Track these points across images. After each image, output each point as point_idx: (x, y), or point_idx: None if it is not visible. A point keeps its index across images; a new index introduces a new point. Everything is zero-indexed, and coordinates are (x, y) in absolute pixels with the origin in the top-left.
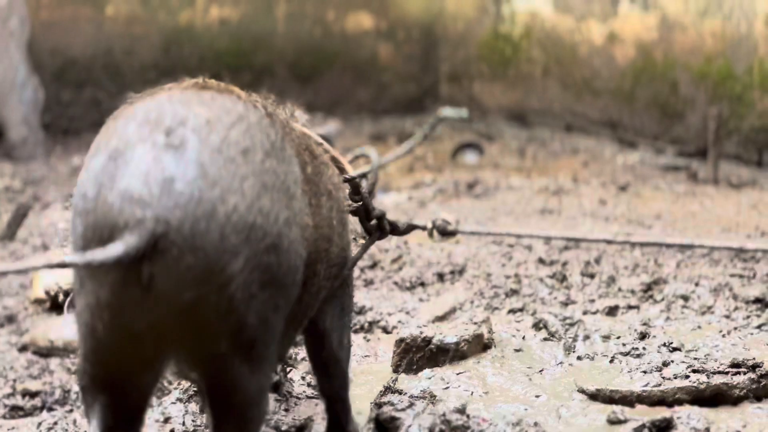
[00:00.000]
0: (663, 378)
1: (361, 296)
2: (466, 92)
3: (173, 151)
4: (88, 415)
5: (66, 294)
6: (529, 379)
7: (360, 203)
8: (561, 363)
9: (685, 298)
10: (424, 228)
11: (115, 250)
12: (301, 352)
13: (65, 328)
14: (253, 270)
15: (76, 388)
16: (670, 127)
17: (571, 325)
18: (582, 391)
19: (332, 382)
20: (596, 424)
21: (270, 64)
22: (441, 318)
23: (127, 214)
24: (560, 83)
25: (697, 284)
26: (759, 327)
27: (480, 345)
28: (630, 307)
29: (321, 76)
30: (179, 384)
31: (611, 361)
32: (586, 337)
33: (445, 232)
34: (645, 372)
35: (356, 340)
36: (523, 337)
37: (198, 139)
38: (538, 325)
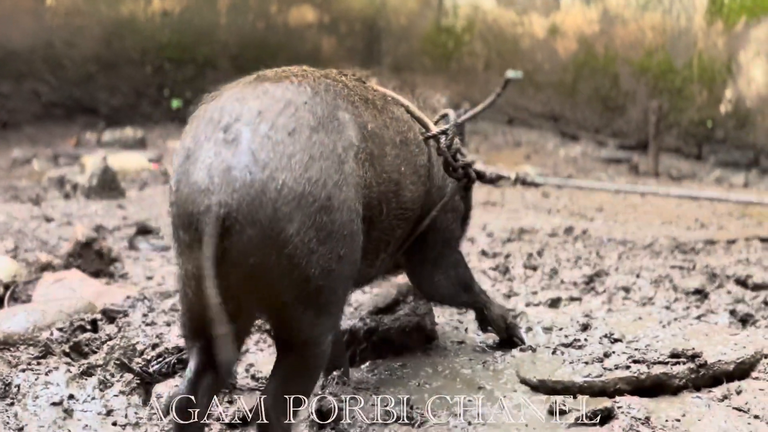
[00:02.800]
0: (604, 369)
1: None
2: (408, 85)
3: (230, 145)
4: (189, 358)
5: (6, 287)
6: (471, 370)
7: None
8: (503, 354)
9: (626, 289)
10: (509, 178)
11: (207, 245)
12: (243, 344)
13: (4, 322)
14: (308, 230)
15: (17, 380)
16: (611, 120)
17: (514, 317)
18: (525, 382)
19: (443, 297)
20: (539, 414)
21: (213, 56)
22: (384, 310)
23: (198, 203)
24: (502, 76)
25: (638, 276)
26: (698, 318)
27: (423, 337)
28: (572, 299)
29: (264, 69)
30: (121, 376)
31: (553, 353)
32: (529, 329)
33: (528, 183)
34: (587, 363)
35: None
36: (466, 329)
37: (250, 131)
38: (480, 319)
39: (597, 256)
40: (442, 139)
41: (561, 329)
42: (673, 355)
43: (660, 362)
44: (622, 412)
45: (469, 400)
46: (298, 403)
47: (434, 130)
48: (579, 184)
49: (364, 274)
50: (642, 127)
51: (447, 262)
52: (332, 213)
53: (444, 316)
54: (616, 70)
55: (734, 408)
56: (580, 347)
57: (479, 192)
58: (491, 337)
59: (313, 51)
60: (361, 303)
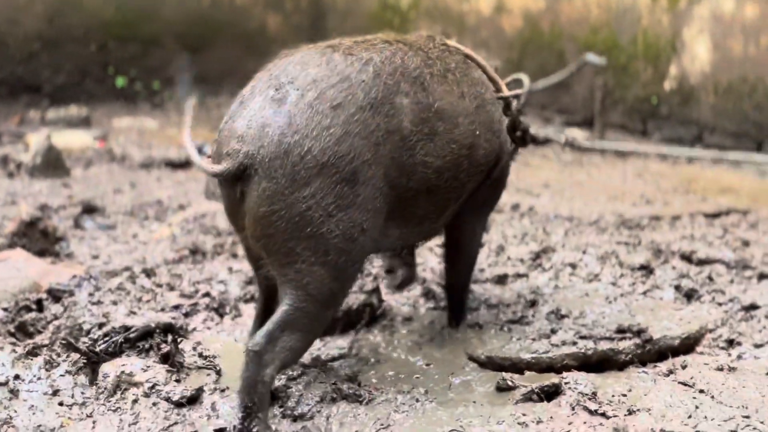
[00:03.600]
0: (551, 345)
1: (249, 267)
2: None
3: (276, 103)
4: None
5: None
6: (419, 348)
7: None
8: (451, 331)
9: (573, 266)
10: (559, 141)
11: (216, 168)
12: (191, 323)
13: None
14: (326, 196)
15: None
16: (557, 98)
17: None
18: (472, 358)
19: (459, 270)
20: (486, 390)
21: (157, 34)
22: None
23: (231, 146)
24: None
25: (584, 252)
26: (644, 293)
27: (370, 314)
28: (519, 276)
29: (210, 47)
30: (67, 356)
31: (501, 329)
32: (476, 306)
33: (576, 146)
34: (534, 339)
35: (247, 310)
36: (413, 306)
37: (298, 95)
38: (427, 295)
39: (543, 232)
40: (514, 102)
41: (508, 306)
42: (620, 331)
43: (606, 338)
44: (569, 388)
45: (417, 377)
46: (289, 357)
47: (506, 92)
48: (622, 148)
49: (432, 228)
50: (587, 103)
51: (484, 220)
52: (356, 186)
53: (391, 293)
54: (562, 47)
55: (679, 382)
56: (527, 324)
57: None
58: (441, 315)
59: (259, 28)
60: None
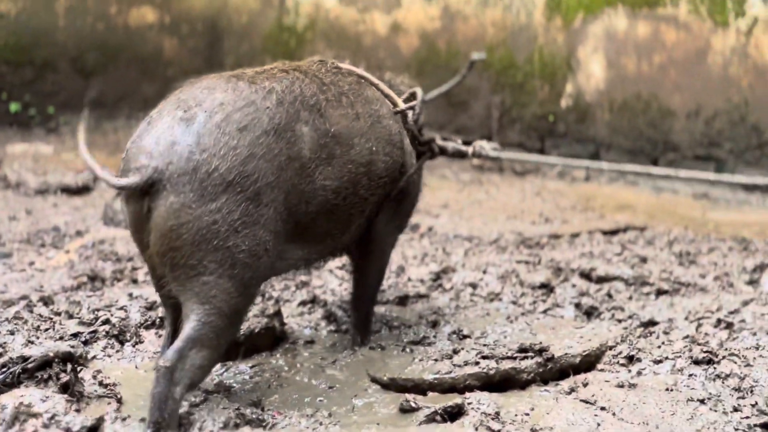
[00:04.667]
0: (454, 365)
1: (151, 291)
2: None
3: (184, 123)
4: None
5: None
6: (322, 370)
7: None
8: (353, 353)
9: (474, 285)
10: (466, 153)
11: (124, 181)
12: (91, 351)
13: None
14: (231, 212)
15: None
16: (454, 116)
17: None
18: (375, 380)
19: (367, 283)
20: (390, 412)
21: (52, 59)
22: None
23: (139, 161)
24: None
25: (484, 272)
26: (545, 312)
27: (272, 338)
28: (420, 296)
29: (105, 71)
30: None
31: (403, 350)
32: (378, 328)
33: (485, 156)
34: (436, 360)
35: (148, 336)
36: (315, 329)
37: (205, 117)
38: (329, 318)
39: (444, 252)
40: (410, 114)
41: (410, 327)
42: (521, 350)
43: (508, 357)
44: (472, 408)
45: (320, 400)
46: (197, 375)
47: (402, 106)
48: (534, 159)
49: (339, 242)
50: (485, 122)
51: (395, 235)
52: (260, 206)
53: (293, 316)
54: (459, 66)
55: (581, 400)
56: (429, 344)
57: None
58: (342, 338)
59: (155, 52)
60: None
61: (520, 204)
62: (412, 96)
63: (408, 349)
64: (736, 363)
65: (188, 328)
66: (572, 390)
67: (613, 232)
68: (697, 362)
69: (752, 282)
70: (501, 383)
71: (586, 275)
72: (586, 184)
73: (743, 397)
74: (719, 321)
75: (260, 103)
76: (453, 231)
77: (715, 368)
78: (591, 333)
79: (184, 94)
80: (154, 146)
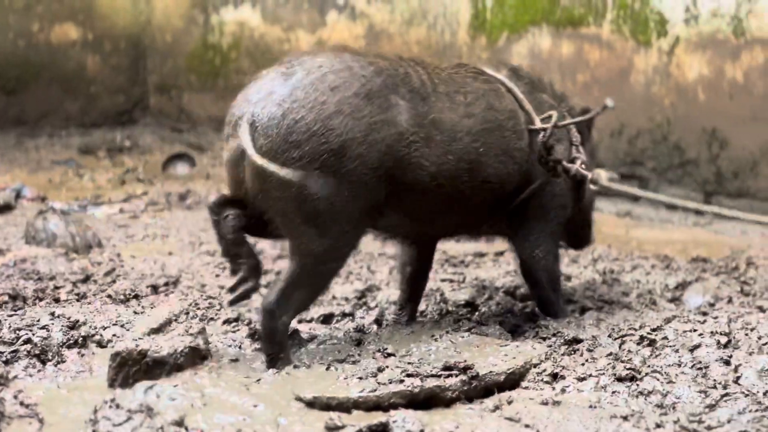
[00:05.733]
0: (378, 383)
1: (73, 311)
2: (175, 103)
3: (283, 77)
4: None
5: None
6: (246, 389)
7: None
8: (278, 372)
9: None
10: (585, 178)
11: (238, 139)
12: (11, 370)
13: None
14: (312, 162)
15: None
16: None
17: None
18: (299, 399)
19: (530, 284)
20: (314, 431)
21: None
22: (156, 330)
23: (242, 107)
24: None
25: None
26: (469, 330)
27: (197, 356)
28: (345, 315)
29: (27, 89)
30: None
31: (328, 369)
32: (303, 346)
33: (599, 185)
34: (361, 378)
35: (70, 355)
36: (240, 347)
37: (303, 74)
38: (253, 335)
39: (368, 271)
40: (540, 135)
41: (334, 345)
42: (446, 368)
43: (433, 375)
44: (397, 426)
45: (244, 419)
46: (296, 306)
47: (538, 125)
48: (647, 195)
49: (434, 229)
50: None
51: (544, 245)
52: (343, 160)
53: (218, 335)
54: None
55: (506, 418)
56: (354, 362)
57: None
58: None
59: (78, 69)
60: (133, 325)
61: None
62: (548, 118)
63: (333, 368)
64: (658, 380)
65: (287, 269)
66: (497, 408)
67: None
68: (620, 379)
69: (674, 299)
70: (426, 401)
71: (510, 293)
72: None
73: (666, 414)
74: (642, 338)
75: (357, 70)
76: (378, 249)
77: (638, 385)
78: (515, 351)
79: (293, 56)
80: (254, 94)
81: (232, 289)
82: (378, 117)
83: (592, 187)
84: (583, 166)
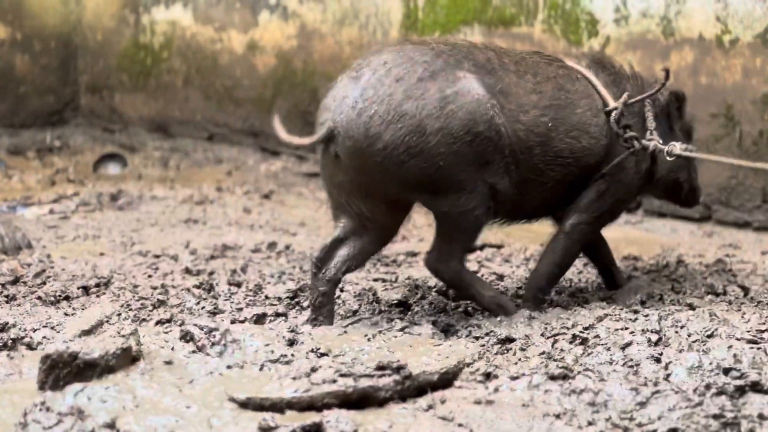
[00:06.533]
0: (312, 383)
1: (2, 313)
2: (107, 103)
3: (353, 80)
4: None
5: None
6: (179, 391)
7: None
8: (211, 373)
9: None
10: (662, 151)
11: (314, 137)
12: None
13: None
14: (398, 146)
15: None
16: (311, 135)
17: (220, 334)
18: (233, 399)
19: (550, 251)
20: None
21: None
22: (88, 332)
23: (321, 117)
24: (202, 93)
25: (342, 290)
26: (402, 330)
27: (128, 358)
28: (278, 315)
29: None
30: None
31: (261, 369)
32: (235, 347)
33: (675, 155)
34: (294, 378)
35: None
36: (172, 348)
37: (369, 73)
38: (186, 337)
39: (301, 271)
40: (612, 115)
41: (267, 345)
42: (379, 368)
43: (366, 375)
44: (330, 426)
45: (177, 420)
46: (458, 252)
47: (612, 105)
48: (724, 160)
49: (513, 200)
50: None
51: (585, 225)
52: (425, 136)
53: (150, 336)
54: (315, 85)
55: (439, 417)
56: (287, 363)
57: (181, 210)
58: (201, 358)
59: (6, 69)
60: (64, 327)
61: None
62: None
63: (266, 368)
64: (590, 378)
65: (436, 229)
66: (430, 407)
67: (470, 250)
68: (553, 378)
69: (606, 298)
70: (359, 401)
71: (443, 293)
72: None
73: (598, 411)
74: (574, 337)
75: (418, 59)
76: (310, 249)
77: (570, 383)
78: (448, 350)
79: (360, 60)
80: (331, 102)
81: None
82: (447, 90)
83: (667, 158)
84: (658, 141)
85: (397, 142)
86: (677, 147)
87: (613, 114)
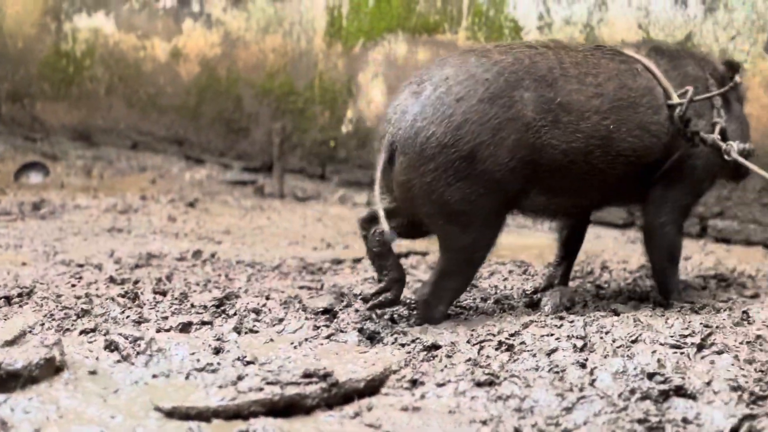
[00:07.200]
0: (238, 392)
1: None
2: (28, 112)
3: (415, 95)
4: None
5: None
6: (104, 401)
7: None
8: (136, 382)
9: (257, 311)
10: (720, 149)
11: (381, 156)
12: None
13: None
14: (447, 170)
15: None
16: (235, 143)
17: (145, 343)
18: (158, 409)
19: (649, 251)
20: None
21: None
22: (10, 342)
23: (384, 127)
24: (125, 101)
25: (267, 298)
26: (328, 337)
27: (52, 368)
28: (203, 323)
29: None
30: None
31: (187, 378)
32: (161, 356)
33: (732, 157)
34: (220, 387)
35: None
36: (97, 358)
37: (431, 90)
38: (110, 346)
39: (226, 278)
40: (677, 110)
41: (193, 354)
42: (306, 375)
43: (293, 383)
44: None
45: (101, 431)
46: (450, 295)
47: (675, 100)
48: None
49: (579, 202)
50: (266, 148)
51: (672, 215)
52: (474, 163)
53: (74, 346)
54: (239, 93)
55: (366, 424)
56: (213, 371)
57: (105, 219)
58: (126, 367)
59: None
60: None
61: (302, 230)
62: (685, 94)
63: (192, 377)
64: (516, 384)
65: (438, 263)
66: (357, 414)
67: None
68: (479, 384)
69: (532, 305)
70: (286, 409)
71: (368, 300)
72: (367, 209)
73: (524, 417)
74: (500, 343)
75: (480, 75)
76: (236, 257)
77: (496, 390)
78: (375, 357)
79: (423, 70)
80: (392, 114)
81: (374, 295)
82: (503, 116)
83: (726, 157)
84: (719, 136)
85: (448, 166)
86: (734, 148)
87: (677, 110)
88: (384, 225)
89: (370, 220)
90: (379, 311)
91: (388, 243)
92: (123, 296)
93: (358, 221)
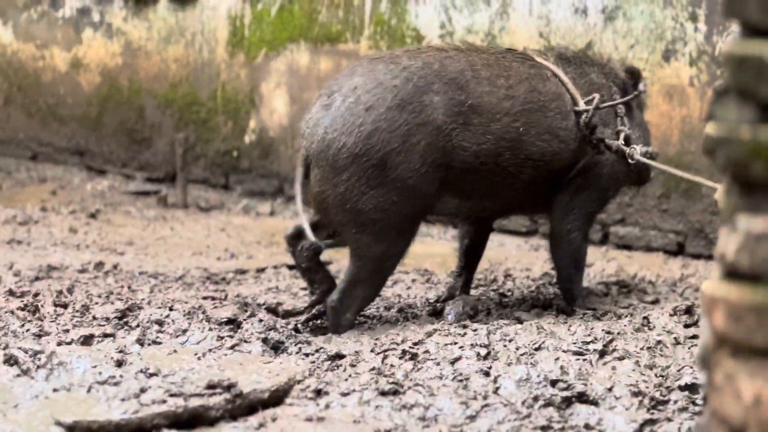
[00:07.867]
0: (141, 404)
1: None
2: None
3: (325, 108)
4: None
5: None
6: (3, 415)
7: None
8: (37, 396)
9: (160, 323)
10: (624, 153)
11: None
12: None
13: None
14: (360, 179)
15: None
16: (138, 153)
17: (45, 357)
18: (59, 423)
19: (554, 259)
20: None
21: None
22: None
23: (300, 141)
24: (24, 111)
25: (171, 309)
26: (232, 348)
27: None
28: (105, 335)
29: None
30: None
31: (88, 391)
32: (62, 369)
33: (635, 159)
34: (123, 399)
35: None
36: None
37: (340, 101)
38: (10, 360)
39: (129, 290)
40: (583, 116)
41: (95, 366)
42: (210, 387)
43: (197, 394)
44: None
45: None
46: (359, 303)
47: (581, 107)
48: (683, 175)
49: (490, 205)
50: (169, 159)
51: (578, 222)
52: (386, 170)
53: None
54: (142, 103)
55: None
56: (115, 384)
57: (4, 231)
58: (26, 381)
59: None
60: None
61: (206, 240)
62: (591, 101)
63: (93, 390)
64: (421, 393)
65: (347, 271)
66: (261, 425)
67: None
68: (383, 393)
69: (435, 313)
70: (190, 421)
71: (272, 310)
72: (270, 219)
73: (428, 426)
74: (404, 352)
75: (388, 83)
76: (138, 268)
77: (400, 399)
78: (279, 367)
79: (333, 80)
80: (305, 128)
81: (307, 308)
82: (413, 122)
83: (630, 161)
84: (623, 142)
85: (360, 175)
86: (637, 151)
87: (583, 116)
88: (310, 237)
89: (297, 236)
90: (308, 324)
91: (316, 255)
92: (23, 309)
93: (285, 238)
